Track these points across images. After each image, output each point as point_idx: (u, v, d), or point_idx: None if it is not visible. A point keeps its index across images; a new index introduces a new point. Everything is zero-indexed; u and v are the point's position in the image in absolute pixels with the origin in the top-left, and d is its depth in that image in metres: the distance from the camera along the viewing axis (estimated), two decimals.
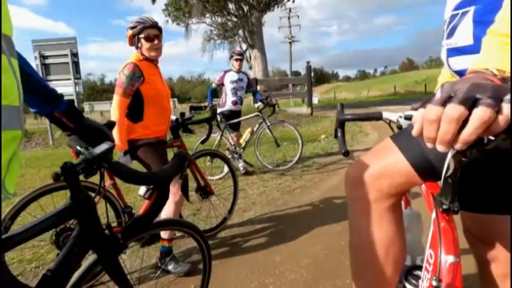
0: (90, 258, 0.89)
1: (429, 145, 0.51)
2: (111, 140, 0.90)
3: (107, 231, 0.86)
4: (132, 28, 2.02)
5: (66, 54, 8.22)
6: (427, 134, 0.50)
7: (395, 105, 10.69)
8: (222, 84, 4.68)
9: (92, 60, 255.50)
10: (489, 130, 0.45)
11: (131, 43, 2.06)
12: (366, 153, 0.98)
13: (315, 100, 19.67)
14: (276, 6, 19.02)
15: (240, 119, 4.54)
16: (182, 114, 2.39)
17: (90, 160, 0.77)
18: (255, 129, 4.58)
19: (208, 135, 2.59)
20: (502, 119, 0.44)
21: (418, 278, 0.86)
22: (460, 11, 0.86)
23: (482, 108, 0.44)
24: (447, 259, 0.68)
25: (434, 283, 0.66)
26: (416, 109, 0.53)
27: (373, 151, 0.98)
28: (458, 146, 0.48)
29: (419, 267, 0.89)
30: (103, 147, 0.82)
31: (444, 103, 0.47)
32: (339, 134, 1.04)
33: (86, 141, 0.87)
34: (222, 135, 4.61)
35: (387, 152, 0.90)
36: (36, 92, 0.85)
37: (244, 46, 17.72)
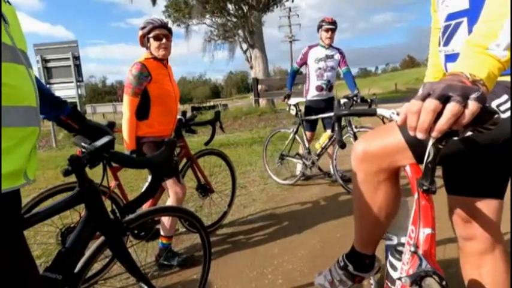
0: (98, 240, 0.97)
1: (411, 133, 0.61)
2: (111, 135, 0.99)
3: (111, 216, 0.94)
4: (142, 29, 2.10)
5: (68, 58, 8.31)
6: (410, 123, 0.60)
7: (394, 102, 10.76)
8: (305, 64, 3.53)
9: (92, 62, 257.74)
10: (458, 122, 0.56)
11: (142, 43, 2.14)
12: (372, 130, 1.17)
13: None
14: (275, 6, 19.08)
15: (318, 116, 3.46)
16: (184, 113, 2.47)
17: (93, 151, 0.88)
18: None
19: (212, 137, 2.66)
20: (468, 113, 0.55)
21: (401, 253, 0.94)
22: (453, 22, 0.97)
23: (452, 104, 0.55)
24: (425, 231, 0.80)
25: (412, 249, 0.76)
26: None
27: (377, 130, 1.14)
28: (434, 133, 0.59)
29: (403, 244, 0.97)
30: (103, 140, 0.93)
31: (424, 98, 0.58)
32: (336, 128, 1.14)
33: (90, 139, 0.96)
34: (295, 132, 3.60)
35: (389, 132, 1.03)
36: (44, 101, 0.94)
37: (244, 46, 17.81)
